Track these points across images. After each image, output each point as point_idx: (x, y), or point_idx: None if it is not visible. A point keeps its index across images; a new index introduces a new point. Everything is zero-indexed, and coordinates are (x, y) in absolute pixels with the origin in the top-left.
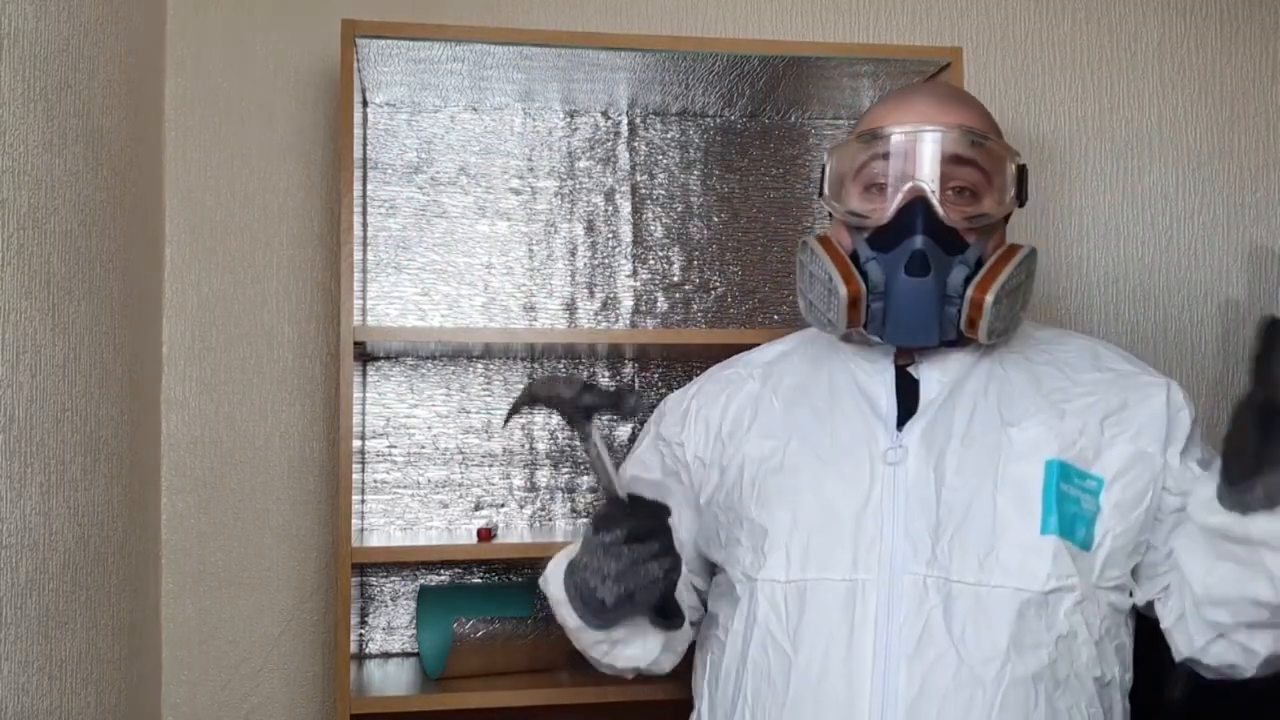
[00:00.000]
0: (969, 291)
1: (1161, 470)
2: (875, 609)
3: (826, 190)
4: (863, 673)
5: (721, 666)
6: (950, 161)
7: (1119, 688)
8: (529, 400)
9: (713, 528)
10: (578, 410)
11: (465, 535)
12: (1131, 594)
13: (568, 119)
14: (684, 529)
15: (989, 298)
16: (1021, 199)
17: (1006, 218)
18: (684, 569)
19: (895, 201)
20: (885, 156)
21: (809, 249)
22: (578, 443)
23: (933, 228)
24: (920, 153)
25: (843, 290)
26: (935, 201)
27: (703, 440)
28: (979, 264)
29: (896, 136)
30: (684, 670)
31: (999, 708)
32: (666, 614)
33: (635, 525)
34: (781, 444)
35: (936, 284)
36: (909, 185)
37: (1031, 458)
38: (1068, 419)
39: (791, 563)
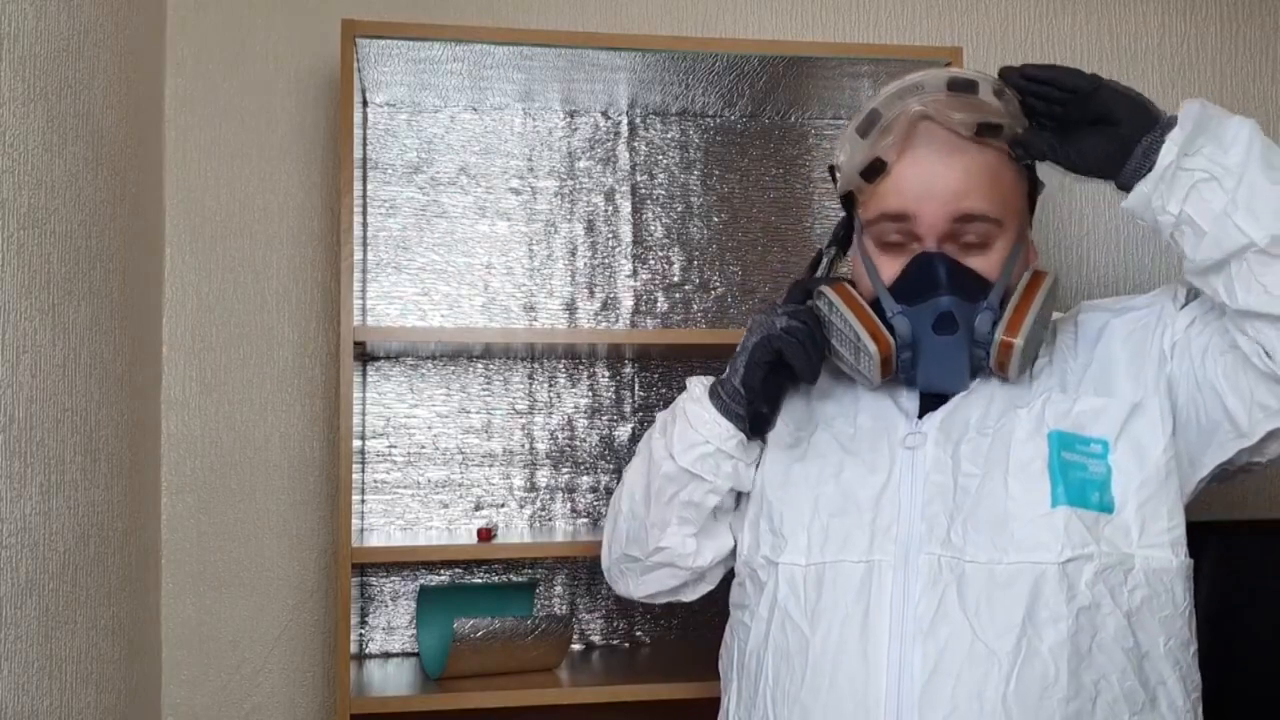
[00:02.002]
0: (997, 336)
1: (1166, 388)
2: (891, 588)
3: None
4: (879, 651)
5: (747, 650)
6: (961, 218)
7: (1168, 658)
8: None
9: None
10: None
11: (465, 535)
12: (1186, 552)
13: (568, 119)
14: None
15: (1019, 342)
16: (1032, 202)
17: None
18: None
19: (914, 259)
20: (895, 218)
21: (828, 300)
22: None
23: (955, 282)
24: (930, 215)
25: (873, 347)
26: (952, 255)
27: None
28: (1004, 300)
29: (904, 197)
30: (685, 670)
31: (1015, 681)
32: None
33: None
34: (807, 434)
35: (965, 335)
36: (924, 244)
37: (1035, 436)
38: (1067, 390)
39: (811, 547)
